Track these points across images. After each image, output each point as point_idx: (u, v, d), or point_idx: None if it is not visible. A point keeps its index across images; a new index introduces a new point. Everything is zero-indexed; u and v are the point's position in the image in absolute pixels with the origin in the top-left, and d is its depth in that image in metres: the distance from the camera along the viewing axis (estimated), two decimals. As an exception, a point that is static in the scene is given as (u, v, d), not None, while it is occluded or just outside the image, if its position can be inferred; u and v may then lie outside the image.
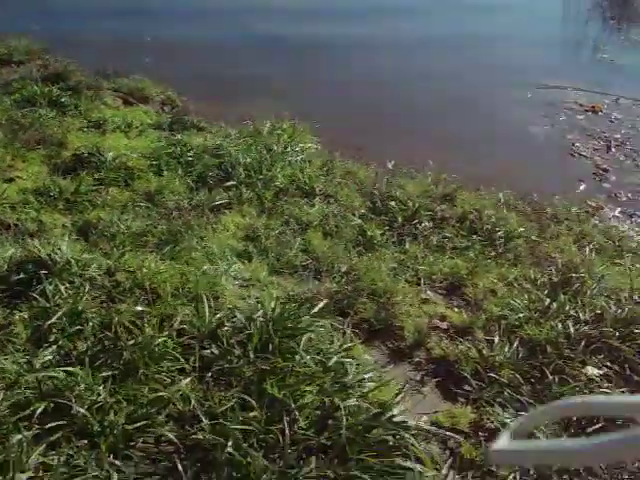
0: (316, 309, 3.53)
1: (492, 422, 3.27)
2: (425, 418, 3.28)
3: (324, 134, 6.42)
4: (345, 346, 3.38)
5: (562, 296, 4.05)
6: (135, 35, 9.04)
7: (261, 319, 3.33)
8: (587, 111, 8.40)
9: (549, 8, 12.93)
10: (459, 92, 8.38)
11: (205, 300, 3.44)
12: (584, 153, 7.41)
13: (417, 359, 3.64)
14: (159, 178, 4.98)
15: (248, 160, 5.16)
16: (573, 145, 7.52)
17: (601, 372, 3.61)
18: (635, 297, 4.24)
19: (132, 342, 3.16)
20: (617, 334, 3.81)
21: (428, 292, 4.13)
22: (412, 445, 2.95)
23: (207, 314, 3.37)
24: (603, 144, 7.68)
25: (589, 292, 4.17)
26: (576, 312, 3.93)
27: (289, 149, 5.54)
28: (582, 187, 6.73)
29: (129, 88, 7.28)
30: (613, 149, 7.61)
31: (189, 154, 5.32)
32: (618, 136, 7.91)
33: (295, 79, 8.22)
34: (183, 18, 10.11)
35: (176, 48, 8.68)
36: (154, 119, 6.39)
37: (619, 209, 6.44)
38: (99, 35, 8.66)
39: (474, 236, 4.78)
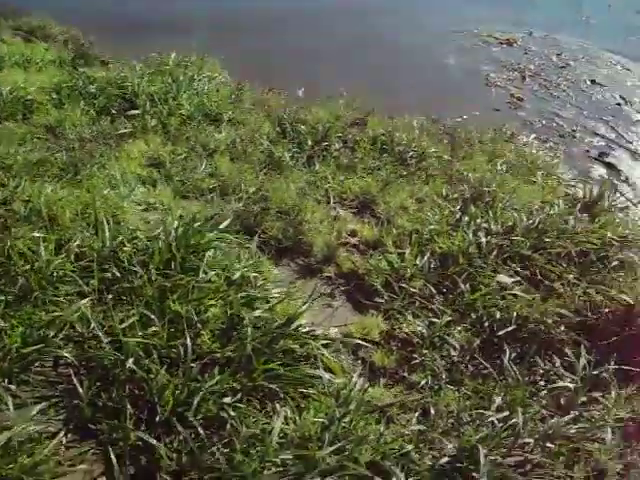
0: (221, 226, 3.40)
1: (403, 331, 3.22)
2: (335, 330, 3.20)
3: (237, 68, 6.20)
4: (251, 262, 3.26)
5: (474, 209, 4.01)
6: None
7: (163, 238, 3.18)
8: (502, 44, 8.41)
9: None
10: (381, 29, 8.27)
11: (105, 223, 3.26)
12: (499, 83, 7.40)
13: (327, 274, 3.55)
14: (60, 111, 4.74)
15: (153, 89, 4.96)
16: (488, 76, 7.51)
17: (513, 280, 3.58)
18: (546, 209, 4.22)
19: (27, 267, 2.98)
20: (528, 244, 3.79)
21: (338, 210, 4.04)
22: (321, 354, 2.87)
23: (107, 237, 3.20)
24: (518, 75, 7.69)
25: (501, 205, 4.14)
26: (488, 224, 3.90)
27: (196, 78, 5.32)
28: (496, 114, 6.75)
29: (30, 27, 6.96)
30: (528, 79, 7.64)
31: (92, 86, 5.08)
32: (532, 67, 7.95)
33: (212, 13, 7.95)
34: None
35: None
36: (56, 55, 6.08)
37: (534, 135, 6.45)
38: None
39: (385, 156, 4.69)
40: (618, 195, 5.09)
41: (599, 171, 6.12)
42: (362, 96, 5.87)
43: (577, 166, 6.12)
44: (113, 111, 4.78)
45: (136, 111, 4.73)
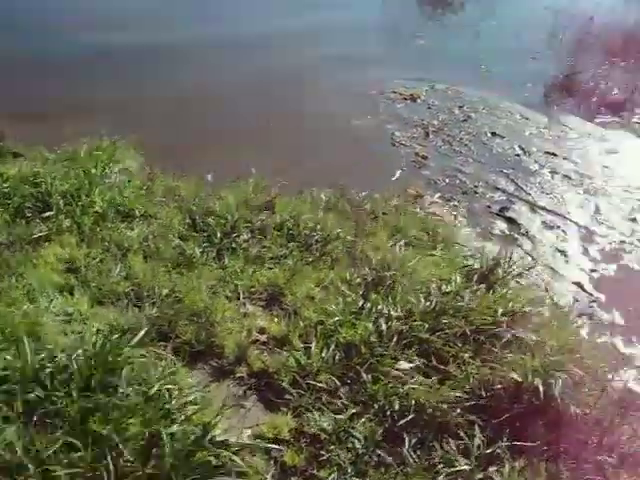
0: (137, 338, 3.57)
1: (311, 427, 3.45)
2: (248, 432, 3.42)
3: (147, 149, 6.38)
4: (167, 372, 3.45)
5: (375, 295, 4.29)
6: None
7: (81, 357, 3.34)
8: (406, 99, 8.78)
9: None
10: (286, 99, 8.51)
11: (26, 342, 3.39)
12: (404, 142, 7.76)
13: (239, 374, 3.77)
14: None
15: (66, 187, 5.10)
16: (393, 135, 7.86)
17: (412, 365, 3.85)
18: (443, 287, 4.53)
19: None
20: (426, 326, 4.07)
21: (247, 306, 4.27)
22: (233, 462, 3.08)
23: (29, 356, 3.34)
24: (422, 131, 8.07)
25: (400, 288, 4.43)
26: (388, 310, 4.16)
27: (107, 170, 5.48)
28: (401, 176, 7.08)
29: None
30: (431, 135, 8.02)
31: (5, 185, 5.19)
32: (436, 122, 8.34)
33: (118, 93, 8.07)
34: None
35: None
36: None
37: (438, 194, 6.81)
38: None
39: (292, 243, 4.94)
40: (515, 258, 5.41)
41: (500, 227, 6.50)
42: (271, 172, 6.16)
43: (479, 223, 6.50)
44: (28, 213, 4.90)
45: (50, 212, 4.87)
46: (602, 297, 5.87)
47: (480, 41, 11.87)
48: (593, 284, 6.01)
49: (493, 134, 8.30)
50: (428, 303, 4.25)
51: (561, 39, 12.50)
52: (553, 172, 7.71)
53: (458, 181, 7.15)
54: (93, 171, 5.41)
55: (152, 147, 6.46)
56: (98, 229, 4.82)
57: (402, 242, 5.19)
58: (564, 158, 8.08)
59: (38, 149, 6.11)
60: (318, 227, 5.12)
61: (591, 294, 5.87)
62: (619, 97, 10.11)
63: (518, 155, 7.93)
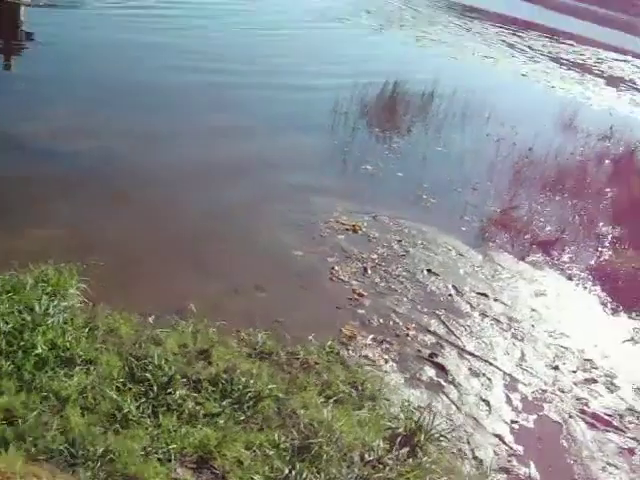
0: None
1: None
2: None
3: (92, 276, 6.50)
4: None
5: (300, 464, 4.49)
6: None
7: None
8: (348, 230, 9.14)
9: (319, 116, 13.84)
10: (230, 224, 8.76)
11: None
12: (342, 277, 8.06)
13: None
14: None
15: (9, 326, 5.20)
16: (333, 269, 8.16)
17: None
18: (366, 456, 4.76)
19: None
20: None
21: (178, 470, 4.41)
22: None
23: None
24: (360, 266, 8.39)
25: (325, 456, 4.64)
26: (312, 480, 4.37)
27: (51, 308, 5.58)
28: (337, 314, 7.37)
29: None
30: (369, 271, 8.34)
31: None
32: (375, 257, 8.68)
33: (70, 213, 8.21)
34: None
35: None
36: None
37: (371, 336, 7.10)
38: None
39: (225, 400, 5.11)
40: (440, 408, 5.69)
41: (429, 373, 6.81)
42: (211, 306, 6.41)
43: (409, 368, 6.80)
44: (-30, 355, 4.99)
45: (-7, 354, 4.96)
46: (521, 450, 6.18)
47: (424, 168, 12.47)
48: (513, 436, 6.32)
49: (429, 271, 8.68)
50: (350, 475, 4.46)
51: (500, 169, 13.16)
52: (483, 314, 8.10)
53: (392, 322, 7.46)
54: (36, 307, 5.52)
55: (97, 273, 6.60)
56: (38, 375, 4.92)
57: (331, 400, 5.42)
58: (495, 300, 8.51)
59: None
60: (251, 382, 5.31)
61: (510, 447, 6.18)
62: (551, 235, 10.70)
63: (451, 295, 8.31)
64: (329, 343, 6.55)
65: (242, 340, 6.14)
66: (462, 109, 16.49)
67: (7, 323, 5.24)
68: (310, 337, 6.52)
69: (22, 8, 16.55)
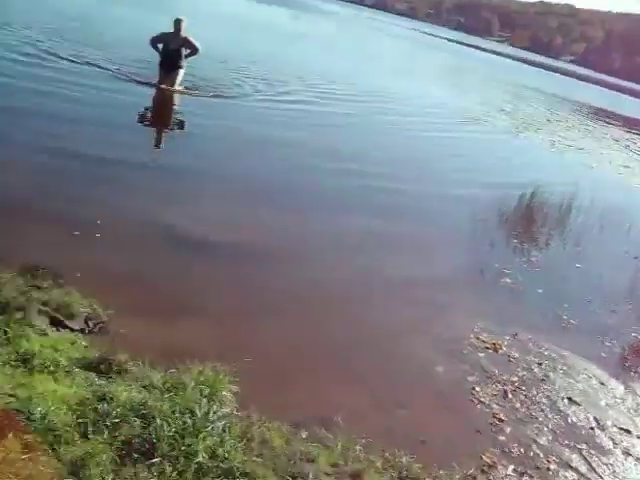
0: None
1: None
2: None
3: (241, 375, 6.68)
4: None
5: None
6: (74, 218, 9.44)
7: None
8: (488, 348, 9.04)
9: (457, 224, 13.95)
10: (369, 329, 8.89)
11: None
12: (483, 399, 7.93)
13: None
14: (85, 442, 5.15)
15: (173, 429, 5.37)
16: (473, 389, 8.06)
17: None
18: None
19: None
20: None
21: None
22: None
23: None
24: (501, 388, 8.26)
25: None
26: None
27: (211, 413, 5.74)
28: (477, 440, 7.25)
29: (57, 303, 7.48)
30: (510, 394, 8.19)
31: (115, 412, 5.49)
32: (515, 379, 8.53)
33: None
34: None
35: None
36: (81, 352, 6.58)
37: (512, 466, 6.93)
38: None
39: None
40: None
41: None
42: (358, 416, 6.49)
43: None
44: (134, 454, 5.19)
45: (156, 459, 5.14)
46: None
47: (563, 285, 12.23)
48: None
49: (569, 400, 8.44)
50: None
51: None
52: (626, 453, 7.78)
53: (532, 453, 7.27)
54: (197, 410, 5.71)
55: (246, 374, 6.75)
56: (197, 484, 5.06)
57: None
58: (638, 437, 8.17)
59: (145, 367, 6.49)
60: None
61: None
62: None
63: (592, 428, 8.04)
64: (471, 471, 6.46)
65: (387, 461, 6.12)
66: (600, 222, 16.30)
67: (170, 425, 5.45)
68: (453, 463, 6.45)
69: (178, 96, 17.71)
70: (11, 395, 5.51)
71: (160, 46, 18.52)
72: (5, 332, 6.46)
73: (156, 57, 18.90)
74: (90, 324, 7.46)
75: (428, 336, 9.00)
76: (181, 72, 18.64)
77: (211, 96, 19.20)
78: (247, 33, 46.35)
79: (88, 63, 19.78)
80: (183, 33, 18.36)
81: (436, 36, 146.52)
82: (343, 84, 28.40)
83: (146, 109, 17.54)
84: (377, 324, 9.03)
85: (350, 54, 51.19)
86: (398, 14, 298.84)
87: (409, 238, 12.47)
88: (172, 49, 18.39)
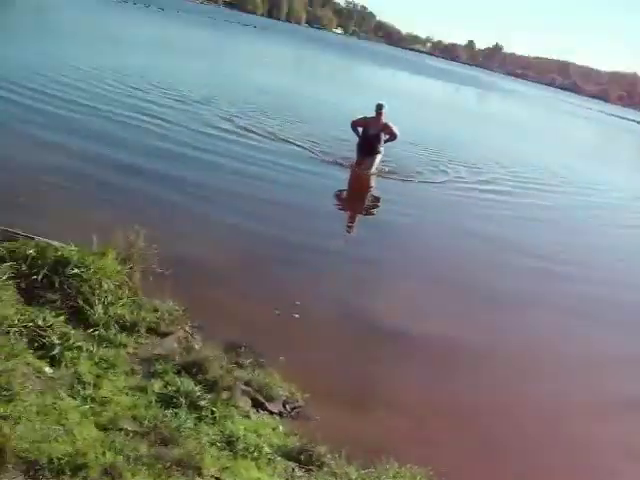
0: None
1: None
2: None
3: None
4: None
5: None
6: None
7: None
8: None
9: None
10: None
11: None
12: None
13: None
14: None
15: None
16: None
17: None
18: None
19: None
20: None
21: None
22: None
23: None
24: None
25: None
26: None
27: None
28: None
29: (259, 384, 7.71)
30: None
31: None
32: None
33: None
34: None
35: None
36: (281, 439, 6.71)
37: None
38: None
39: None
40: None
41: None
42: None
43: None
44: None
45: None
46: None
47: None
48: None
49: None
50: None
51: None
52: None
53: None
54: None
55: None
56: None
57: None
58: None
59: (341, 454, 6.49)
60: None
61: None
62: None
63: None
64: None
65: None
66: None
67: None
68: None
69: (374, 179, 18.08)
70: (217, 478, 5.70)
71: (360, 129, 19.09)
72: (212, 412, 6.74)
73: (353, 138, 19.47)
74: (287, 407, 7.64)
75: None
76: (379, 157, 19.16)
77: (407, 180, 19.46)
78: (429, 111, 46.97)
79: (285, 141, 20.72)
80: (384, 118, 18.83)
81: (631, 120, 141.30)
82: (543, 172, 27.99)
83: (341, 192, 18.21)
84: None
85: (544, 137, 50.49)
86: (589, 96, 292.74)
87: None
88: (372, 134, 18.84)
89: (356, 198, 17.84)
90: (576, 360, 10.45)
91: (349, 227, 15.13)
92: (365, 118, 18.68)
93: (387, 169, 19.78)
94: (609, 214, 23.20)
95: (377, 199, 18.01)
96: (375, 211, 17.03)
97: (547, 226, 18.85)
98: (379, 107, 18.37)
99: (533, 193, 22.43)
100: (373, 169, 18.93)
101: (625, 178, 37.58)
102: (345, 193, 18.01)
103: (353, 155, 19.45)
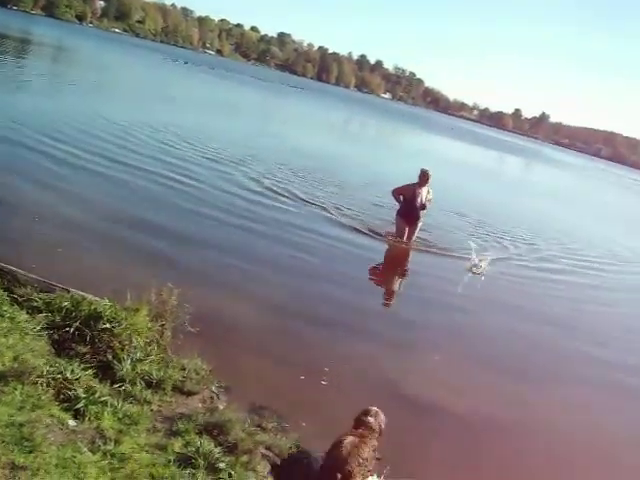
0: None
1: None
2: None
3: None
4: None
5: None
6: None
7: None
8: None
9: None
10: None
11: None
12: None
13: None
14: None
15: None
16: None
17: None
18: None
19: None
20: None
21: None
22: None
23: None
24: None
25: None
26: None
27: None
28: None
29: (280, 450, 7.65)
30: None
31: None
32: None
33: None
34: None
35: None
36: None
37: None
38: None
39: None
40: None
41: None
42: None
43: None
44: None
45: None
46: None
47: None
48: None
49: None
50: None
51: None
52: None
53: None
54: None
55: None
56: None
57: None
58: None
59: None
60: None
61: None
62: None
63: None
64: None
65: None
66: None
67: None
68: None
69: (412, 252, 17.82)
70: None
71: (401, 197, 18.52)
72: (230, 474, 6.73)
73: (391, 206, 19.32)
74: (310, 477, 7.55)
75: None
76: (419, 225, 18.75)
77: (453, 256, 18.97)
78: (465, 178, 46.75)
79: (323, 208, 20.92)
80: (428, 187, 18.24)
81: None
82: (599, 248, 26.83)
83: (379, 265, 17.72)
84: None
85: (598, 212, 49.74)
86: (635, 167, 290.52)
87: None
88: (416, 202, 18.17)
89: (393, 271, 17.28)
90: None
91: (382, 304, 14.57)
92: (408, 186, 18.04)
93: (429, 241, 19.32)
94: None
95: (414, 273, 17.60)
96: (411, 286, 16.60)
97: (614, 310, 18.02)
98: (424, 173, 17.85)
99: (595, 274, 21.58)
100: (414, 237, 18.43)
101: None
102: (381, 266, 17.40)
103: (387, 224, 19.33)
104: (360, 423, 7.29)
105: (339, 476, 6.42)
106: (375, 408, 7.54)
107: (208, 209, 17.63)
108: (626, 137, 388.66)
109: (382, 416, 7.44)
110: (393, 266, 17.91)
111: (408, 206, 18.08)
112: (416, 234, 18.73)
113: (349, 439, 6.80)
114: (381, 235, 18.97)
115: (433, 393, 10.06)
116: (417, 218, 18.44)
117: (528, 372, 12.14)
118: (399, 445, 8.30)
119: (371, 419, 7.29)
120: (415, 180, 18.07)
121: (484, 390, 10.84)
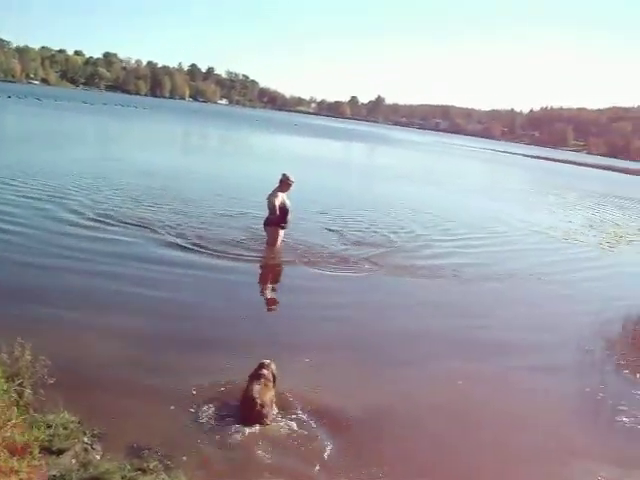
0: None
1: None
2: None
3: None
4: None
5: None
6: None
7: None
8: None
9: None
10: None
11: None
12: None
13: None
14: None
15: None
16: None
17: None
18: None
19: None
20: None
21: None
22: None
23: None
24: None
25: None
26: None
27: None
28: None
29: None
30: None
31: None
32: None
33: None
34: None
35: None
36: None
37: None
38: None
39: None
40: None
41: None
42: None
43: None
44: None
45: None
46: None
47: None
48: None
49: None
50: None
51: None
52: None
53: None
54: None
55: None
56: None
57: None
58: None
59: None
60: None
61: None
62: None
63: None
64: None
65: None
66: None
67: None
68: None
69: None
70: None
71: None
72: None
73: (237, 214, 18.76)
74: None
75: None
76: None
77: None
78: (319, 173, 46.77)
79: (153, 231, 19.48)
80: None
81: (515, 154, 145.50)
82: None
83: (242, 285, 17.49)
84: None
85: (454, 187, 50.66)
86: (472, 135, 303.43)
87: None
88: (288, 205, 18.18)
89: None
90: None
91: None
92: (278, 191, 17.74)
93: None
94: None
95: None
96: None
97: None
98: (287, 177, 17.67)
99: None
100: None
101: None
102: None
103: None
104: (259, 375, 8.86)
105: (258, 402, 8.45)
106: (267, 360, 9.18)
107: (30, 256, 15.82)
108: (459, 108, 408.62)
109: (273, 365, 9.18)
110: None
111: (283, 215, 17.73)
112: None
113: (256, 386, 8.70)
114: (226, 253, 17.87)
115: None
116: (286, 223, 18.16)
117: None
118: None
119: (266, 371, 8.96)
120: (276, 185, 17.90)
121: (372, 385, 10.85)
